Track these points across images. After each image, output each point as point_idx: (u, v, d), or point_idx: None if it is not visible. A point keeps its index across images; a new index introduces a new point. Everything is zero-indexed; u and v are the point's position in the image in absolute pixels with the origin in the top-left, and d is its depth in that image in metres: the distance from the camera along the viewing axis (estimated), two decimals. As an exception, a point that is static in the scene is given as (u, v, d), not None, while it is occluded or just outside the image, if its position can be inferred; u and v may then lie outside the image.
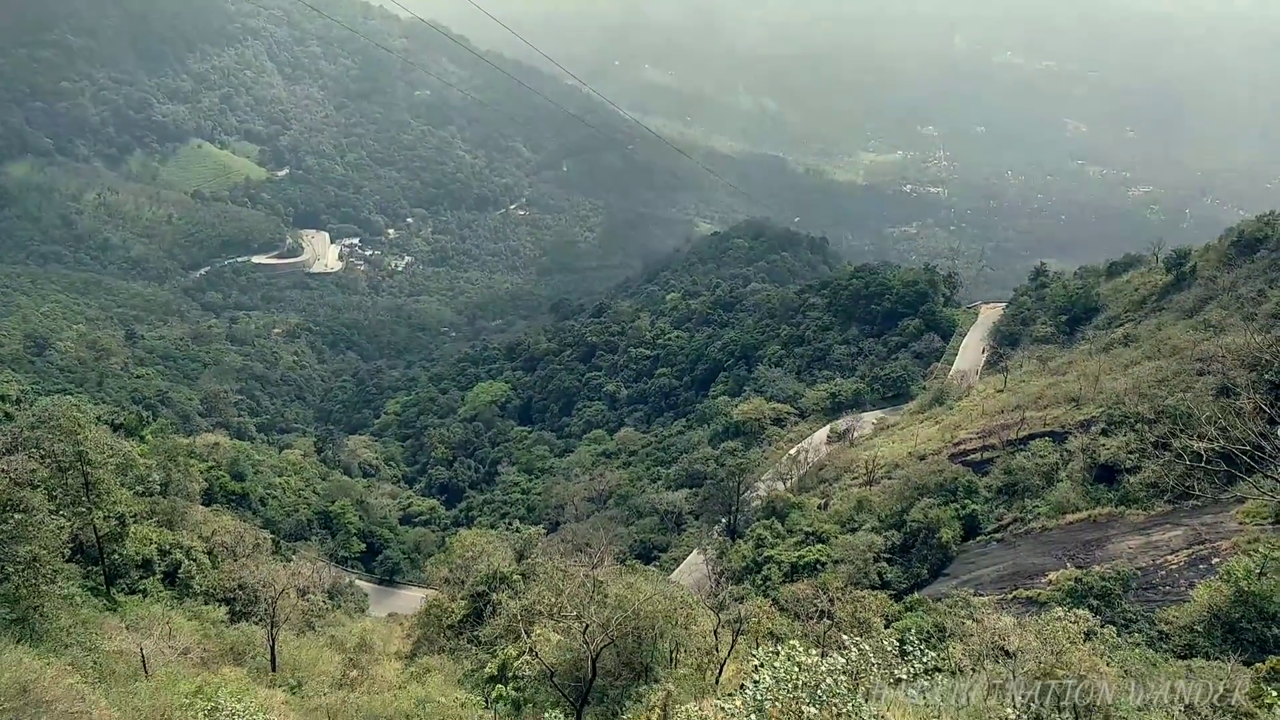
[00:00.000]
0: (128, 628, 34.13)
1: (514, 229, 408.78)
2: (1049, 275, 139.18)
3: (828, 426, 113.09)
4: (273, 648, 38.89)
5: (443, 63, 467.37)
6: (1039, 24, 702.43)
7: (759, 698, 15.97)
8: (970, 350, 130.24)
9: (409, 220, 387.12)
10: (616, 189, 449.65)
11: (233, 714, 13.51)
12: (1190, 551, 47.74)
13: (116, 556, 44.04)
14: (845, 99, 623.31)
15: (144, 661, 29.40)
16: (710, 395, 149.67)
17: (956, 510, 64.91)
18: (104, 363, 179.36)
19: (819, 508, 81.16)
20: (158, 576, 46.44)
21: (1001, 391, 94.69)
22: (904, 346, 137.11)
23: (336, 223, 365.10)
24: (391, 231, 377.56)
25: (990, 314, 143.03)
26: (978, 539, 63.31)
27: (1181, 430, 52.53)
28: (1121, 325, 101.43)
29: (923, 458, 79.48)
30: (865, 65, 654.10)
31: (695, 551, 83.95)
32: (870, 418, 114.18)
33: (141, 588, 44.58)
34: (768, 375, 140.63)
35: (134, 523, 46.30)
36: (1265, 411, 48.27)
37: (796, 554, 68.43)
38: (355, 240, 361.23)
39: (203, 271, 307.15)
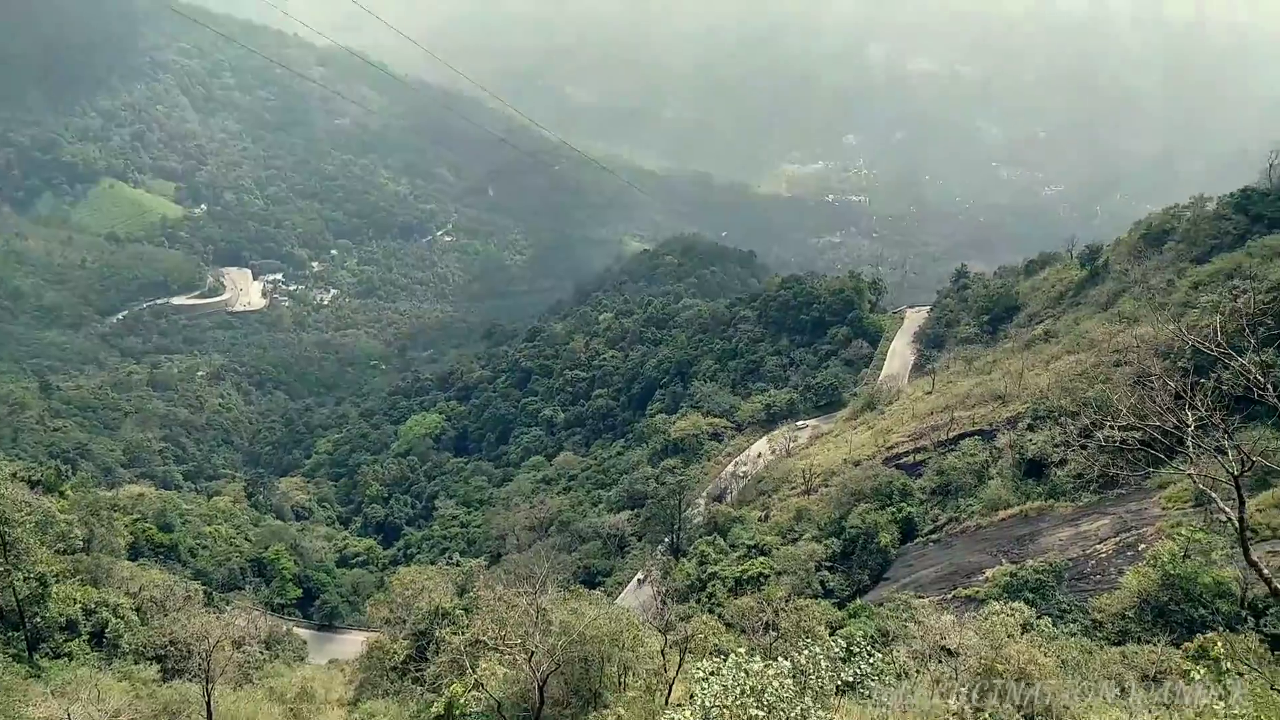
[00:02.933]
0: (53, 694, 32.74)
1: (441, 256, 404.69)
2: (970, 277, 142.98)
3: (764, 438, 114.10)
4: (209, 704, 37.54)
5: (362, 90, 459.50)
6: (950, 28, 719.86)
7: (707, 704, 15.97)
8: (898, 355, 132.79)
9: (333, 252, 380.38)
10: (545, 211, 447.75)
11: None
12: (1118, 539, 49.32)
13: (39, 619, 42.39)
14: (765, 112, 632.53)
15: (71, 728, 28.18)
16: (648, 414, 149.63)
17: (893, 514, 66.09)
18: (18, 417, 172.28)
19: (760, 520, 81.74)
20: (84, 637, 44.75)
21: (930, 393, 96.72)
22: (834, 354, 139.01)
23: (259, 258, 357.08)
24: (315, 265, 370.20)
25: (916, 318, 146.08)
26: (915, 541, 64.56)
27: (1103, 421, 54.41)
28: (1041, 322, 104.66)
29: (857, 463, 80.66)
30: (783, 75, 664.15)
31: (639, 573, 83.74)
32: (806, 426, 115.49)
33: (66, 650, 42.91)
34: (703, 390, 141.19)
35: (56, 582, 44.69)
36: (1181, 397, 50.28)
37: (740, 568, 68.76)
38: (278, 276, 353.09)
39: (120, 316, 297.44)
